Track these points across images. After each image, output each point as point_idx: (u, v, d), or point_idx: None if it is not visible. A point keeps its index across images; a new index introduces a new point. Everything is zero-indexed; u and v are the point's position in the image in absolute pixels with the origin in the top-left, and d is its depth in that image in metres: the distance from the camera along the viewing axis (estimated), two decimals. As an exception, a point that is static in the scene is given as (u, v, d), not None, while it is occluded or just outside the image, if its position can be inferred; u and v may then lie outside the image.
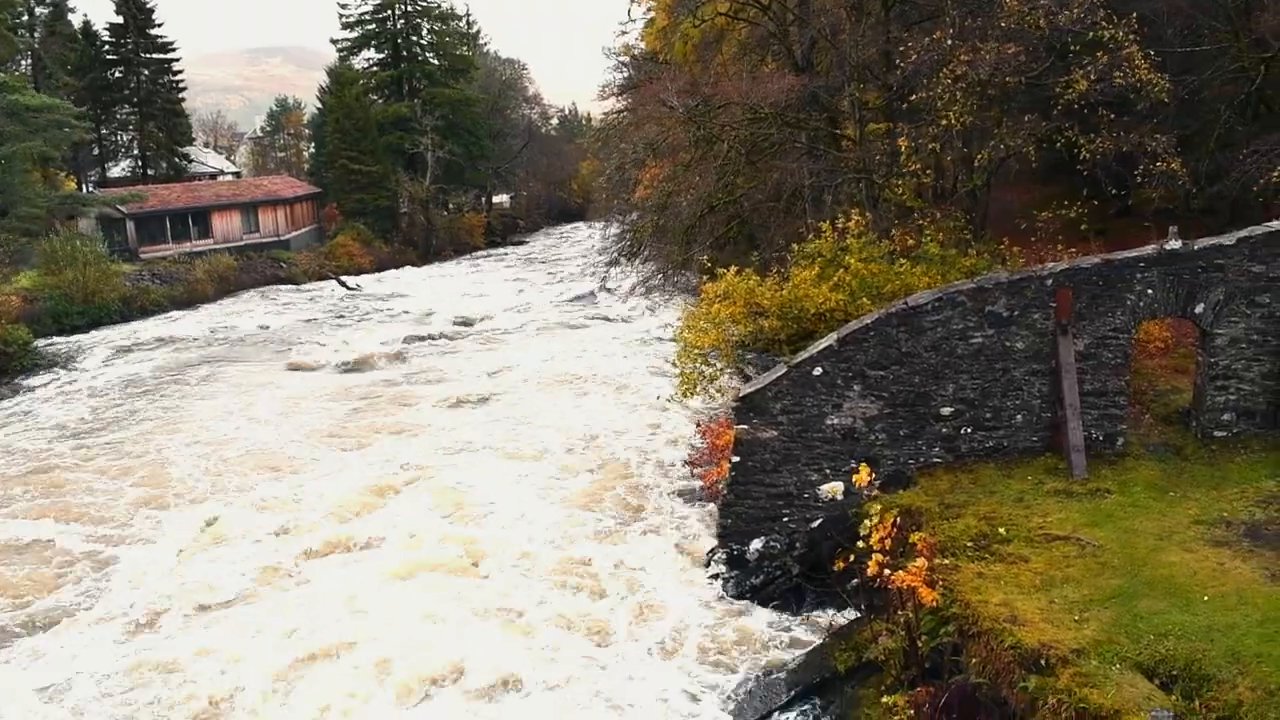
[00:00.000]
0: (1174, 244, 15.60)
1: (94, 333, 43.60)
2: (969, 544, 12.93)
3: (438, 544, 18.90)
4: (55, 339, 41.78)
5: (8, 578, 18.43)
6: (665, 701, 13.49)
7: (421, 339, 40.69)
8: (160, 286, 51.44)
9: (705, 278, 22.93)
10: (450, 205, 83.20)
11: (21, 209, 41.23)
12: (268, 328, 44.94)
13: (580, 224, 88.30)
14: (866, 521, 13.39)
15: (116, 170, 72.37)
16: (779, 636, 15.01)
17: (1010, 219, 24.68)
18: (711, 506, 19.13)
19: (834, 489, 16.26)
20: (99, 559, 19.16)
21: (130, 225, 55.58)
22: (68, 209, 49.38)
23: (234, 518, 20.71)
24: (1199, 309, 15.70)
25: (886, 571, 12.15)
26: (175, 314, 48.89)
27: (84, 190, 63.56)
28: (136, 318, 47.11)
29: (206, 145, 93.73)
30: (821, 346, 16.10)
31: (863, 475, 13.94)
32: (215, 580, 17.77)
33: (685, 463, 22.68)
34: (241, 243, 61.71)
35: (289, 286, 58.84)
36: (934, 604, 11.69)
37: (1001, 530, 13.09)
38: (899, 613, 12.24)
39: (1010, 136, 20.94)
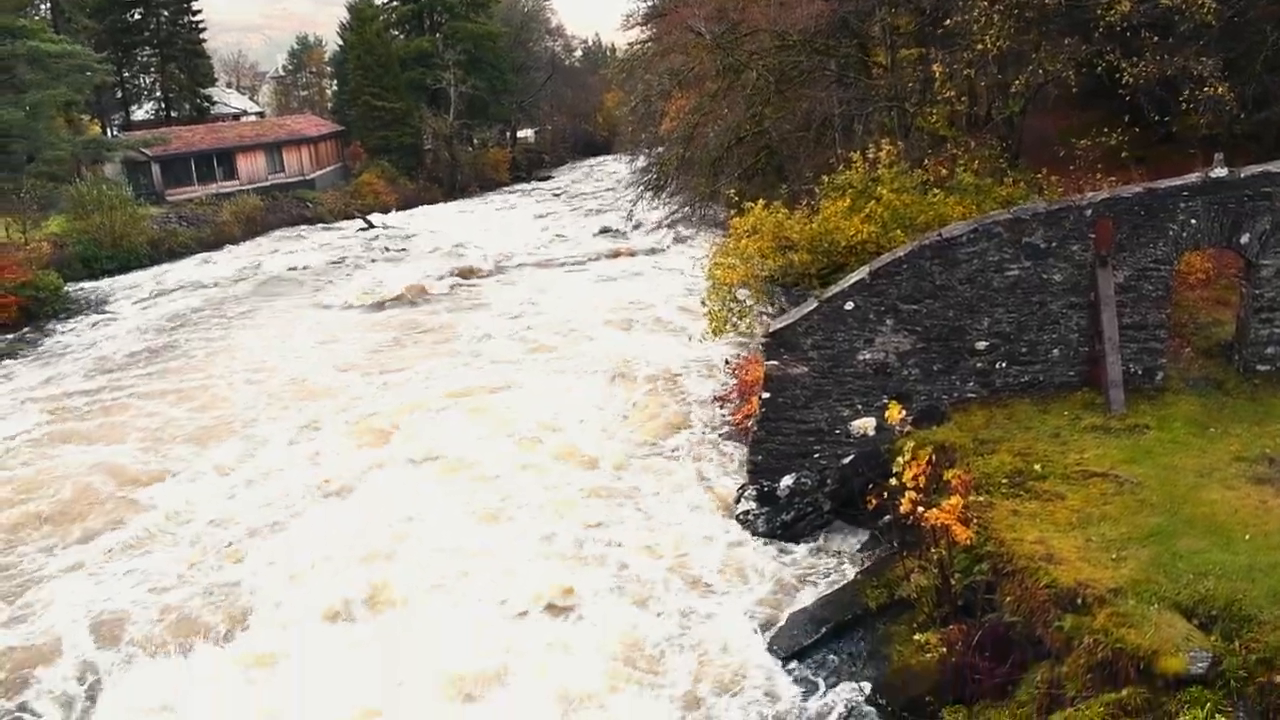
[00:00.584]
0: (1219, 171, 15.07)
1: (123, 276, 43.73)
2: (1004, 481, 12.71)
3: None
4: (85, 284, 41.98)
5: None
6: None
7: (449, 275, 40.58)
8: (187, 229, 51.46)
9: (733, 212, 22.57)
10: (474, 141, 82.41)
11: (47, 154, 41.19)
12: (296, 267, 44.97)
13: (606, 157, 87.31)
14: (899, 458, 13.23)
15: (140, 113, 72.07)
16: (809, 573, 14.96)
17: (1048, 147, 24.00)
18: (741, 443, 19.05)
19: (866, 425, 16.05)
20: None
21: (155, 168, 55.50)
22: (93, 153, 49.34)
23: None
24: (1244, 239, 15.21)
25: (919, 509, 12.02)
26: (203, 256, 48.96)
27: (108, 134, 63.42)
28: (165, 260, 47.20)
29: (229, 86, 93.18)
30: (853, 280, 15.77)
31: (894, 411, 13.74)
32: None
33: (714, 399, 22.54)
34: (267, 183, 61.55)
35: (315, 226, 58.74)
36: (968, 542, 11.53)
37: (1037, 467, 12.85)
38: (932, 550, 12.10)
39: (1049, 61, 20.27)
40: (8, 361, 30.59)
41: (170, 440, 22.41)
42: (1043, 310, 15.49)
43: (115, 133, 65.16)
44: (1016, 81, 21.48)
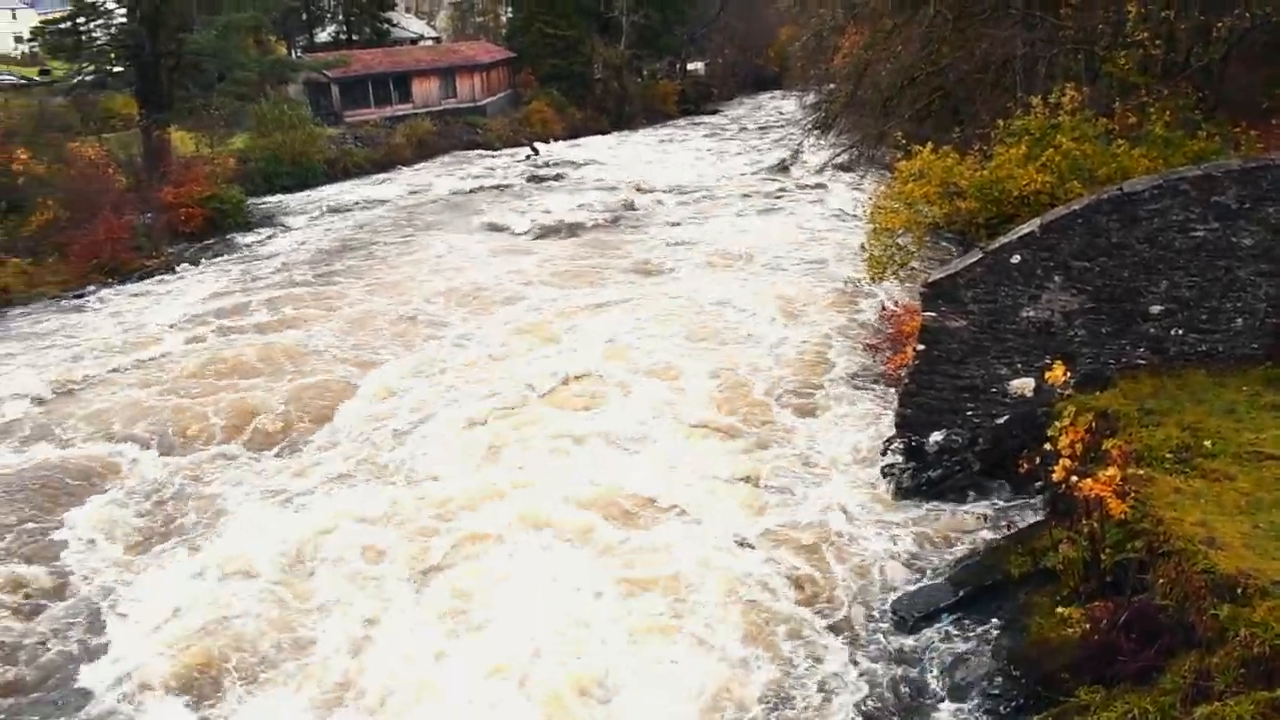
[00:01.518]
0: None
1: (300, 193, 45.72)
2: (1168, 455, 11.95)
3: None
4: (265, 198, 44.09)
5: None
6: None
7: (614, 204, 40.83)
8: (362, 149, 53.24)
9: (900, 155, 21.78)
10: (644, 72, 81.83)
11: (237, 74, 43.04)
12: (465, 190, 46.05)
13: (776, 93, 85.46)
14: (1057, 423, 12.70)
15: (322, 36, 74.48)
16: (951, 534, 14.60)
17: (1249, 99, 22.15)
18: (890, 394, 18.66)
19: (1024, 385, 15.39)
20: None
21: (335, 90, 57.45)
22: (278, 74, 51.32)
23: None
24: None
25: (1074, 478, 11.50)
26: (376, 176, 50.66)
27: (293, 56, 65.84)
28: (340, 179, 49.06)
29: (407, 10, 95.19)
30: (1022, 232, 15.02)
31: (1057, 373, 13.16)
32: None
33: (867, 347, 22.08)
34: (439, 108, 62.90)
35: (484, 151, 59.84)
36: (1123, 516, 10.95)
37: (1207, 443, 12.03)
38: (1083, 522, 11.57)
39: (1259, 3, 18.61)
40: (194, 268, 32.62)
41: (372, 329, 25.27)
42: (1228, 276, 14.41)
43: (299, 54, 67.56)
44: (1220, 25, 19.84)
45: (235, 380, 21.75)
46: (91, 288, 30.04)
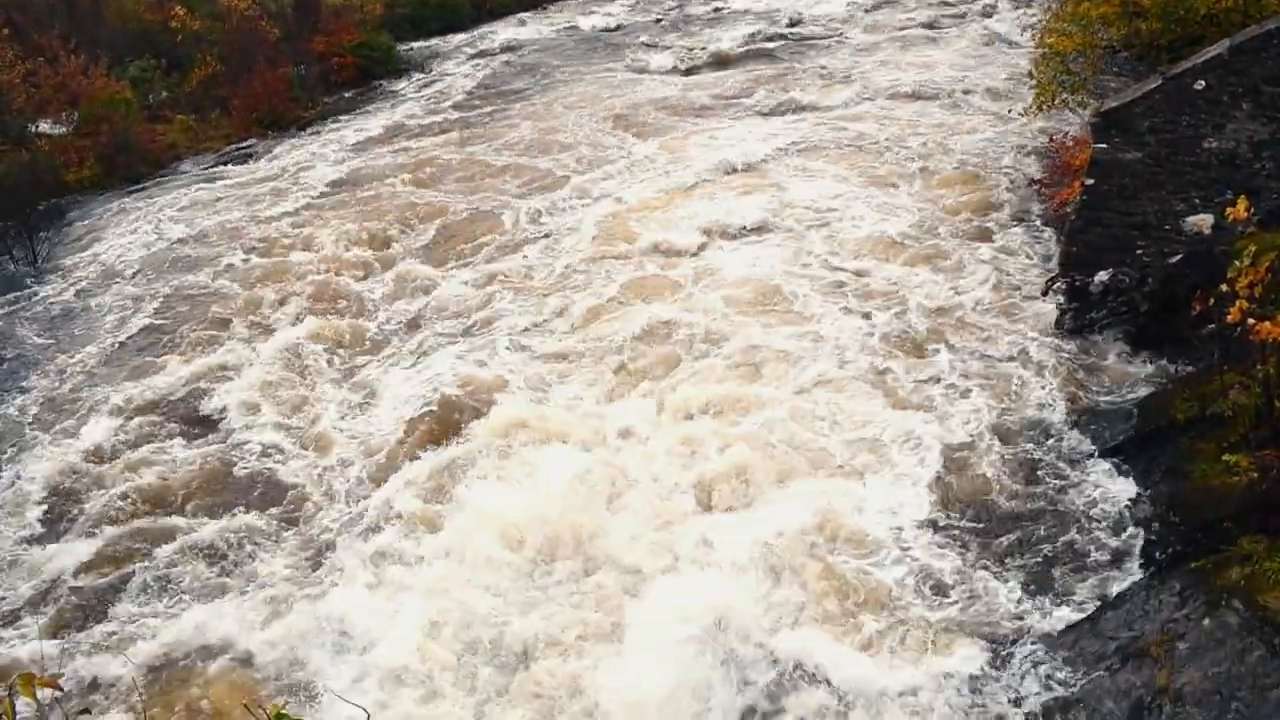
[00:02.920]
0: None
1: (449, 36, 45.65)
2: (1355, 296, 11.16)
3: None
4: (414, 44, 44.23)
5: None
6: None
7: (768, 37, 39.36)
8: (509, -12, 52.42)
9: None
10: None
11: (382, -85, 42.74)
12: (613, 28, 45.08)
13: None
14: (1236, 262, 11.93)
15: None
16: (1116, 378, 14.14)
17: None
18: (1055, 231, 17.88)
19: (1202, 222, 14.44)
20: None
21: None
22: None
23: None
24: None
25: (1250, 320, 10.88)
26: (521, 16, 49.97)
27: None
28: (485, 21, 48.67)
29: None
30: (1208, 56, 13.83)
31: (1240, 208, 12.28)
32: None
33: (1032, 182, 21.02)
34: (585, -61, 61.10)
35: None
36: (1301, 361, 10.37)
37: (1397, 283, 11.14)
38: (1258, 367, 11.00)
39: None
40: (350, 116, 33.34)
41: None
42: None
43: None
44: None
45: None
46: (253, 140, 31.02)
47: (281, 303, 19.22)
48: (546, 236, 21.07)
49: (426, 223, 22.18)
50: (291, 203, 24.44)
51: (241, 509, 13.58)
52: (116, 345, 18.42)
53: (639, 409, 14.59)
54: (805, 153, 24.31)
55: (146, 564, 12.69)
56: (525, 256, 20.29)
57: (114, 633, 11.64)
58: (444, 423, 14.89)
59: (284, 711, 2.35)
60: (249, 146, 30.60)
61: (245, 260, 21.41)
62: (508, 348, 16.82)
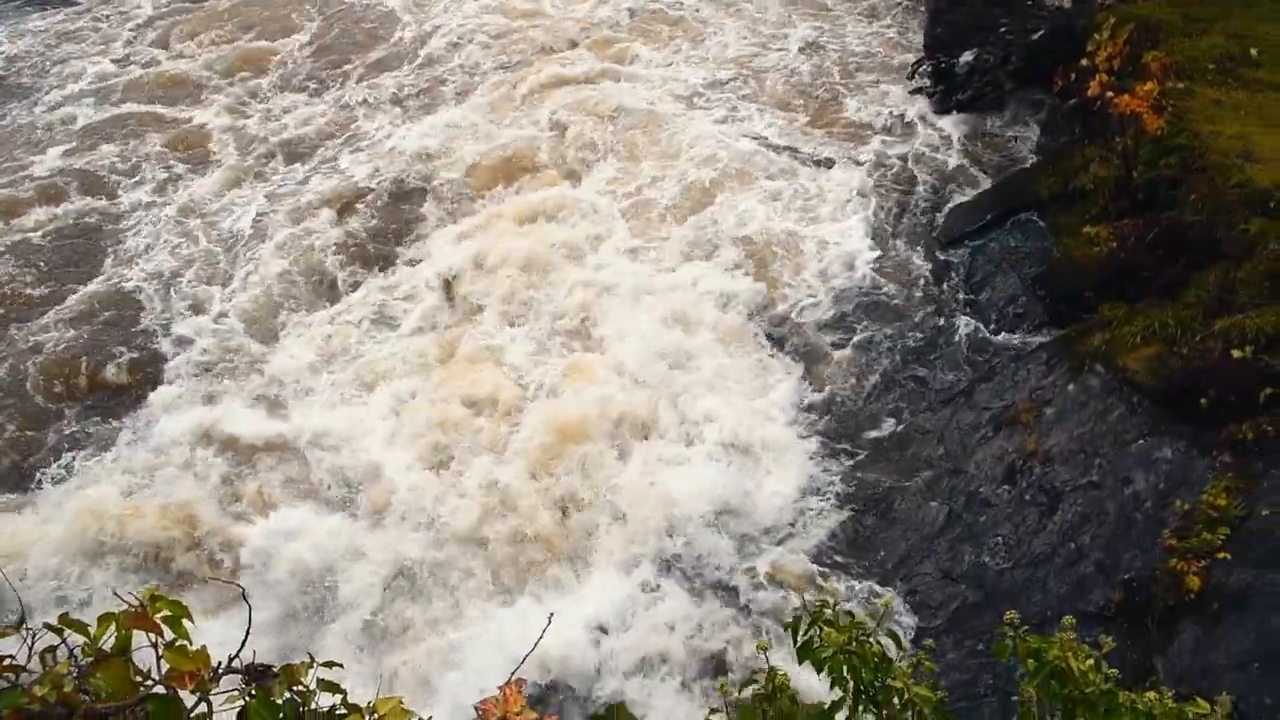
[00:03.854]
0: None
1: None
2: (1210, 66, 11.48)
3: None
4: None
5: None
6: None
7: None
8: None
9: None
10: None
11: None
12: None
13: None
14: (1096, 35, 12.12)
15: None
16: (979, 158, 14.48)
17: None
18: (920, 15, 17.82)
19: (1062, -6, 14.60)
20: None
21: None
22: None
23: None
24: None
25: (1110, 93, 11.13)
26: None
27: None
28: None
29: None
30: None
31: (1098, -21, 12.37)
32: None
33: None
34: None
35: None
36: (1158, 132, 10.68)
37: (1253, 51, 11.48)
38: (1117, 140, 11.35)
39: None
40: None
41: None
42: None
43: None
44: None
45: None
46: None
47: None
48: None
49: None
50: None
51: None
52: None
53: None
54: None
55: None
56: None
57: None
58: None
59: (157, 592, 2.38)
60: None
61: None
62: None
